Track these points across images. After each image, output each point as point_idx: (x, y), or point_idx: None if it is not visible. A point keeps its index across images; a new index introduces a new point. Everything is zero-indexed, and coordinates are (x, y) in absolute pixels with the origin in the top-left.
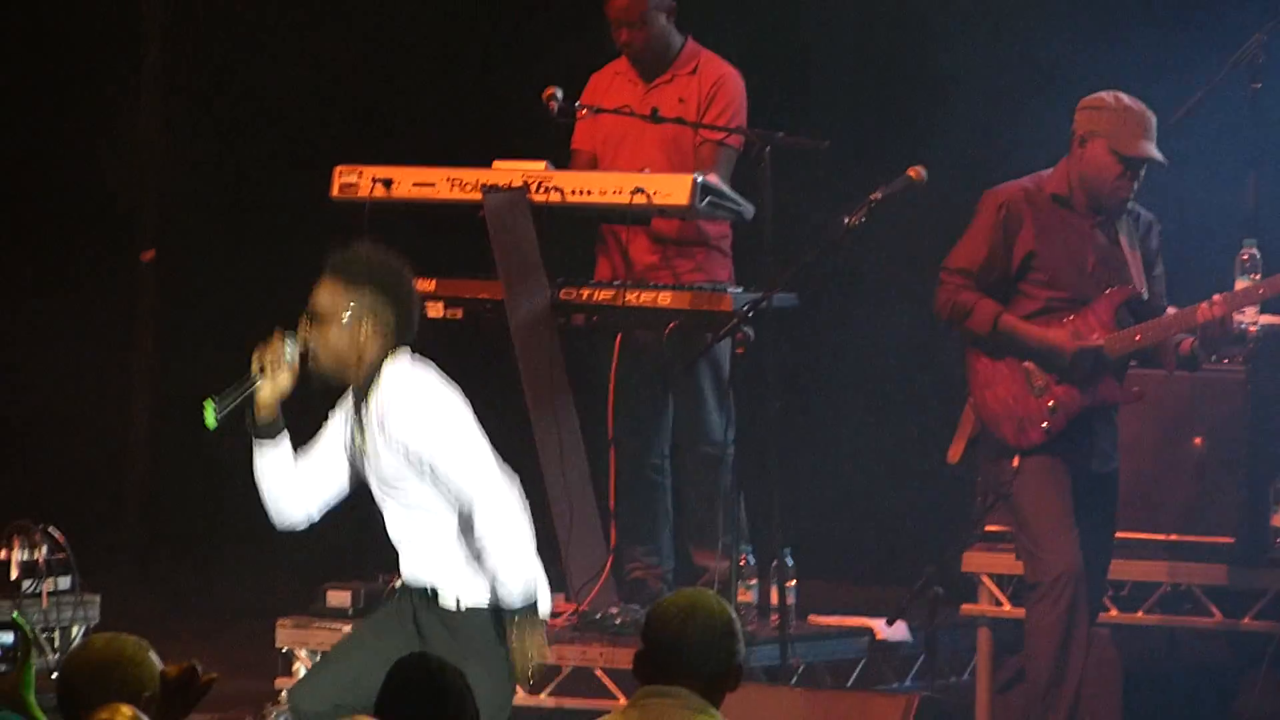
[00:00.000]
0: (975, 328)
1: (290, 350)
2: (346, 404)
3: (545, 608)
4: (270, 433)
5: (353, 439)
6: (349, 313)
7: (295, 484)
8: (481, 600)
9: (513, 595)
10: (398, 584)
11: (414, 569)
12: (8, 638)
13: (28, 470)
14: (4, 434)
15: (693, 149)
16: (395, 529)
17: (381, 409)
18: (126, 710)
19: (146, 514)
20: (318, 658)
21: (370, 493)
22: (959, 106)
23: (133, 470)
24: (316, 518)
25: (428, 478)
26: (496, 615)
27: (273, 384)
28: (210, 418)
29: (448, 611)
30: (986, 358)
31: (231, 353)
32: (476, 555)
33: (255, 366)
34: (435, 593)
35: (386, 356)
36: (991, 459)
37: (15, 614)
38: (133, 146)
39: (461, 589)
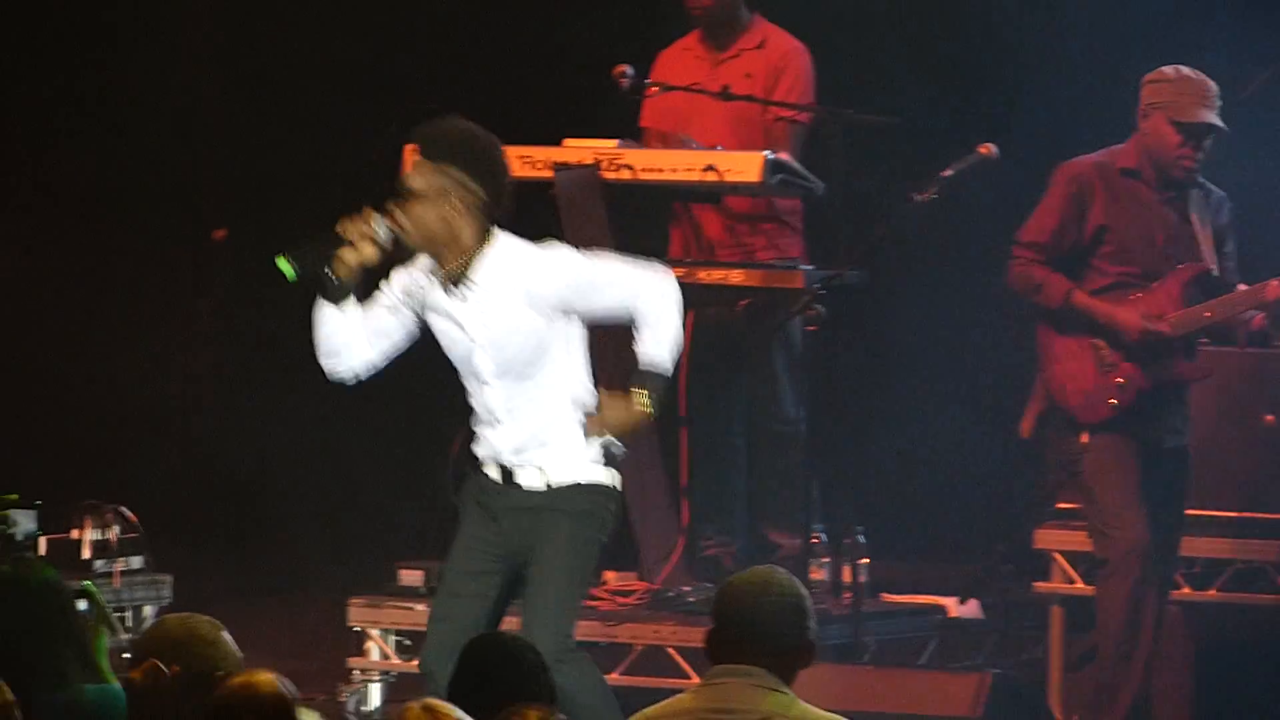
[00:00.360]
0: (1046, 303)
1: (380, 228)
2: (425, 283)
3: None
4: (339, 296)
5: (454, 322)
6: (440, 190)
7: (353, 344)
8: (572, 477)
9: (663, 354)
10: (471, 480)
11: (509, 448)
12: (80, 606)
13: (99, 450)
14: (76, 414)
15: (761, 125)
16: (498, 408)
17: (508, 279)
18: (266, 675)
19: (218, 493)
20: (390, 638)
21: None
22: (1032, 82)
23: (204, 449)
24: (363, 376)
25: (553, 345)
26: (581, 489)
27: (357, 254)
28: (289, 270)
29: (535, 491)
30: (1056, 333)
31: (301, 332)
32: (640, 325)
33: (339, 230)
34: (525, 471)
35: (486, 234)
36: (1061, 434)
37: (87, 582)
38: (199, 127)
39: (555, 469)
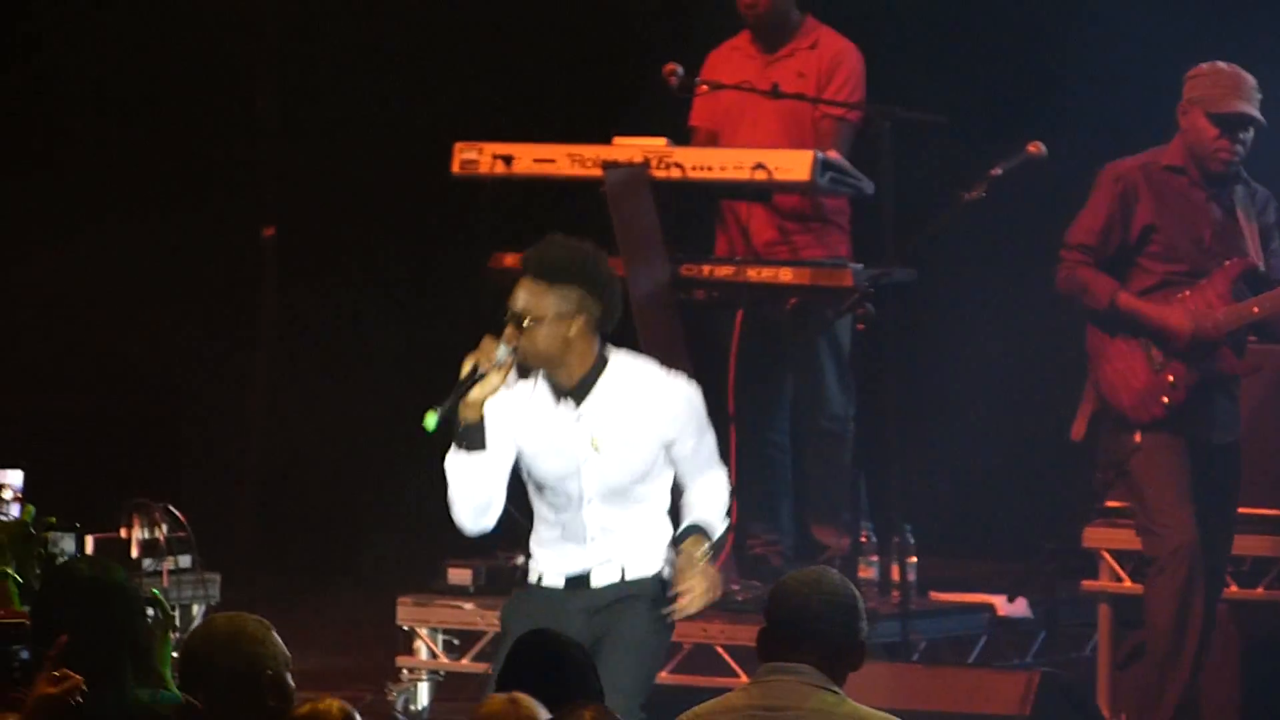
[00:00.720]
0: (1093, 304)
1: (503, 352)
2: (534, 407)
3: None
4: (477, 438)
5: (560, 439)
6: (559, 313)
7: (496, 493)
8: (650, 570)
9: (719, 530)
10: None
11: (593, 564)
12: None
13: (148, 448)
14: (125, 411)
15: (811, 124)
16: (592, 527)
17: (627, 397)
18: (334, 702)
19: (266, 492)
20: (438, 637)
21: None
22: (1081, 81)
23: (252, 448)
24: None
25: (659, 464)
26: (658, 581)
27: (483, 386)
28: (431, 422)
29: (610, 585)
30: (1106, 333)
31: (348, 330)
32: (694, 507)
33: (469, 367)
34: (604, 569)
35: (603, 350)
36: (1112, 434)
37: (155, 590)
38: (252, 125)
39: (635, 564)
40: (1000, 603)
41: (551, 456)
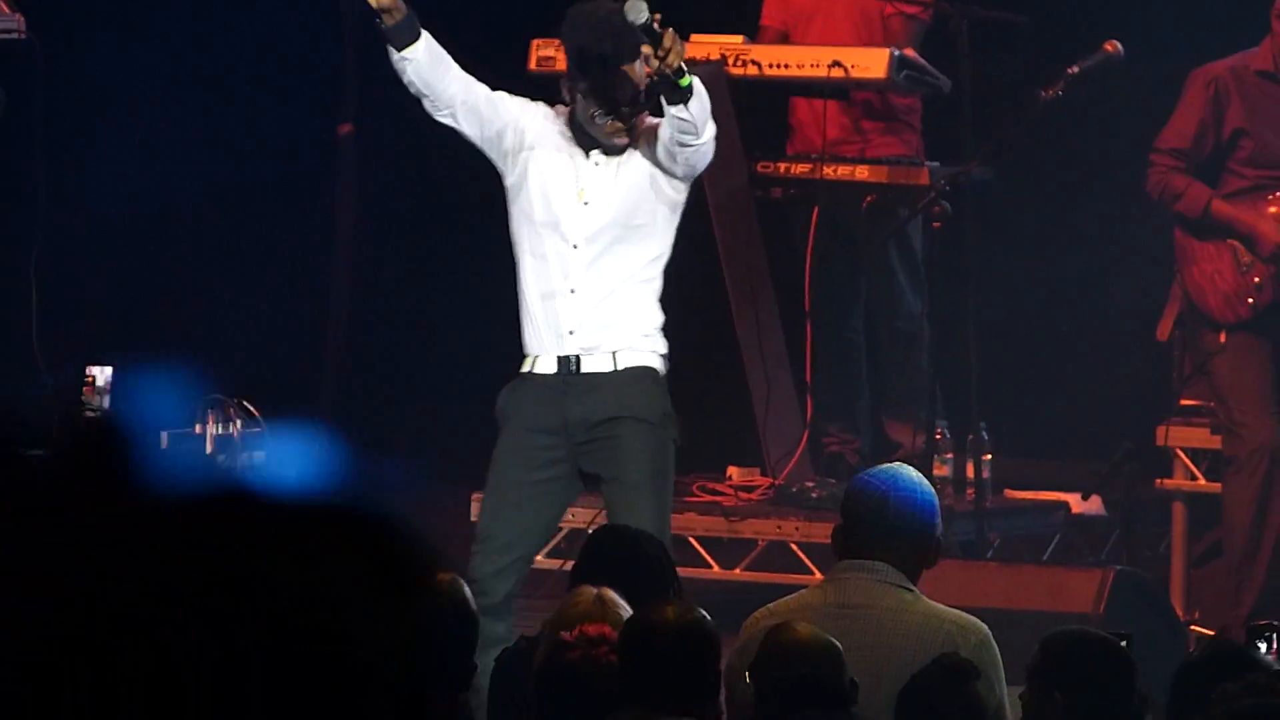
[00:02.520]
0: (1186, 211)
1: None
2: (555, 136)
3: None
4: (403, 37)
5: (574, 177)
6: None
7: (448, 88)
8: (643, 360)
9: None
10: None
11: (584, 325)
12: None
13: (225, 344)
14: (202, 308)
15: (881, 22)
16: (579, 277)
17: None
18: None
19: (343, 387)
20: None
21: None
22: None
23: (330, 344)
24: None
25: (662, 202)
26: (654, 375)
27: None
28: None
29: (602, 373)
30: (1194, 236)
31: (429, 222)
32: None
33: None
34: (594, 355)
35: None
36: (1197, 334)
37: None
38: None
39: (627, 351)
40: (1075, 501)
41: (552, 188)
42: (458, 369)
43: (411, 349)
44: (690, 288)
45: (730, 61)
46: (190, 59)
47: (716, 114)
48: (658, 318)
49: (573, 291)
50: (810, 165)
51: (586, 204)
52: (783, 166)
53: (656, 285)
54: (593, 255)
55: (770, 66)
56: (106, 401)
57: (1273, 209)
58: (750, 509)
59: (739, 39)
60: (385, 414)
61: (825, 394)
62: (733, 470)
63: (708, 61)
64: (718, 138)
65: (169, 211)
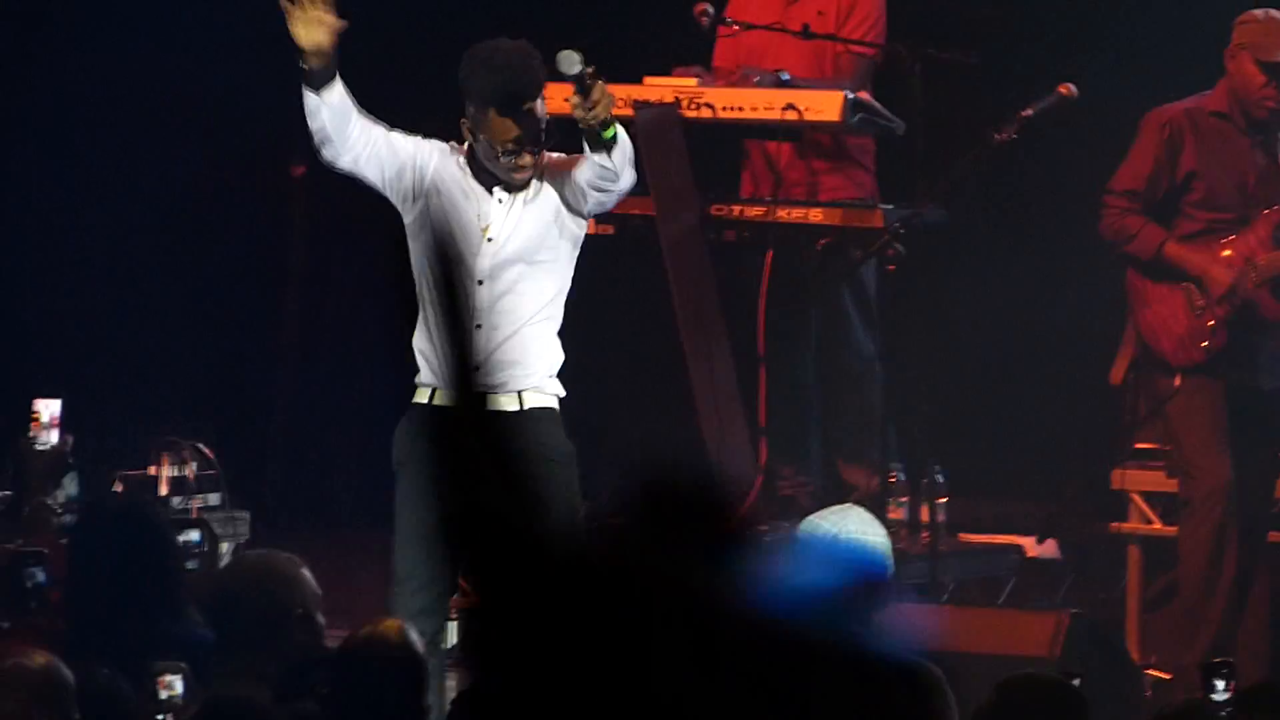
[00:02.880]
0: (1139, 253)
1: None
2: (455, 172)
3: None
4: (323, 80)
5: (477, 213)
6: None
7: (351, 133)
8: (546, 401)
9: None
10: (424, 402)
11: (489, 362)
12: (194, 535)
13: (176, 382)
14: (152, 344)
15: (831, 59)
16: (485, 313)
17: (547, 190)
18: (393, 624)
19: (295, 426)
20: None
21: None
22: (1114, 22)
23: (284, 384)
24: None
25: (565, 238)
26: (557, 416)
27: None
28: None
29: (508, 412)
30: (1148, 278)
31: (375, 263)
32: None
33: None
34: (501, 393)
35: None
36: (1151, 378)
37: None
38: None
39: (533, 390)
40: (1030, 544)
41: (456, 225)
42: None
43: (357, 386)
44: (642, 330)
45: (684, 104)
46: (145, 95)
47: (669, 156)
48: (560, 355)
49: (479, 327)
50: (764, 208)
51: (491, 240)
52: (736, 209)
53: (558, 320)
54: (499, 291)
55: (725, 109)
56: (54, 436)
57: (1225, 252)
58: None
59: (693, 81)
60: (330, 449)
61: (779, 437)
62: None
63: (661, 104)
64: (671, 180)
65: (119, 248)
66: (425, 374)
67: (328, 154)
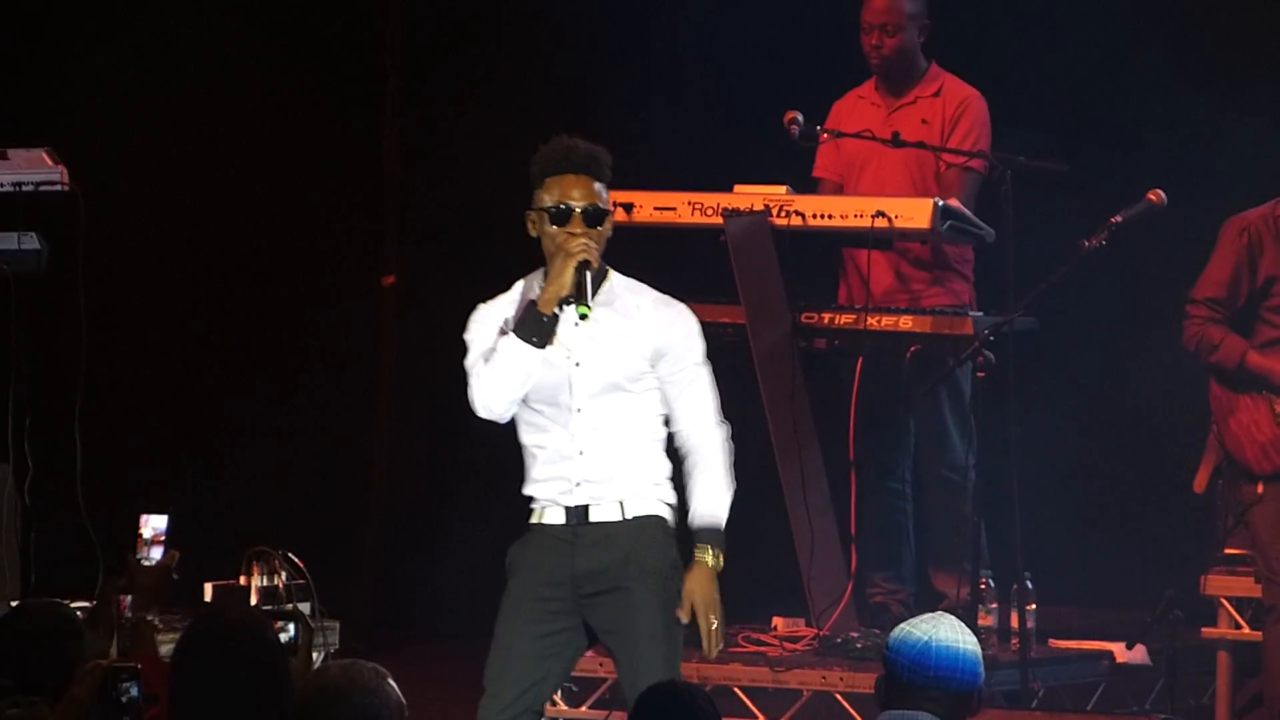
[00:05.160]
0: (1223, 362)
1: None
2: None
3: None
4: (550, 334)
5: (558, 347)
6: (608, 209)
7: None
8: (651, 509)
9: (724, 511)
10: (538, 523)
11: (591, 480)
12: (291, 630)
13: (270, 494)
14: (249, 457)
15: (935, 173)
16: (584, 438)
17: (630, 306)
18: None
19: (389, 538)
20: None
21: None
22: (1204, 131)
23: (376, 494)
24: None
25: (652, 381)
26: (663, 525)
27: (561, 282)
28: (587, 311)
29: (610, 522)
30: (1230, 387)
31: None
32: (692, 472)
33: (574, 263)
34: (602, 505)
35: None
36: (1235, 485)
37: (293, 604)
38: (376, 175)
39: (635, 500)
40: (1119, 650)
41: (546, 363)
42: (499, 516)
43: (454, 499)
44: (735, 438)
45: (774, 212)
46: (227, 213)
47: (761, 264)
48: (666, 467)
49: (581, 453)
50: (854, 315)
51: (578, 365)
52: (827, 317)
53: (662, 435)
54: (596, 414)
55: (814, 217)
56: (158, 553)
57: None
58: (795, 659)
59: (783, 189)
60: (426, 563)
61: (870, 544)
62: (778, 621)
63: (751, 212)
64: (762, 288)
65: (209, 360)
66: (537, 499)
67: (501, 411)
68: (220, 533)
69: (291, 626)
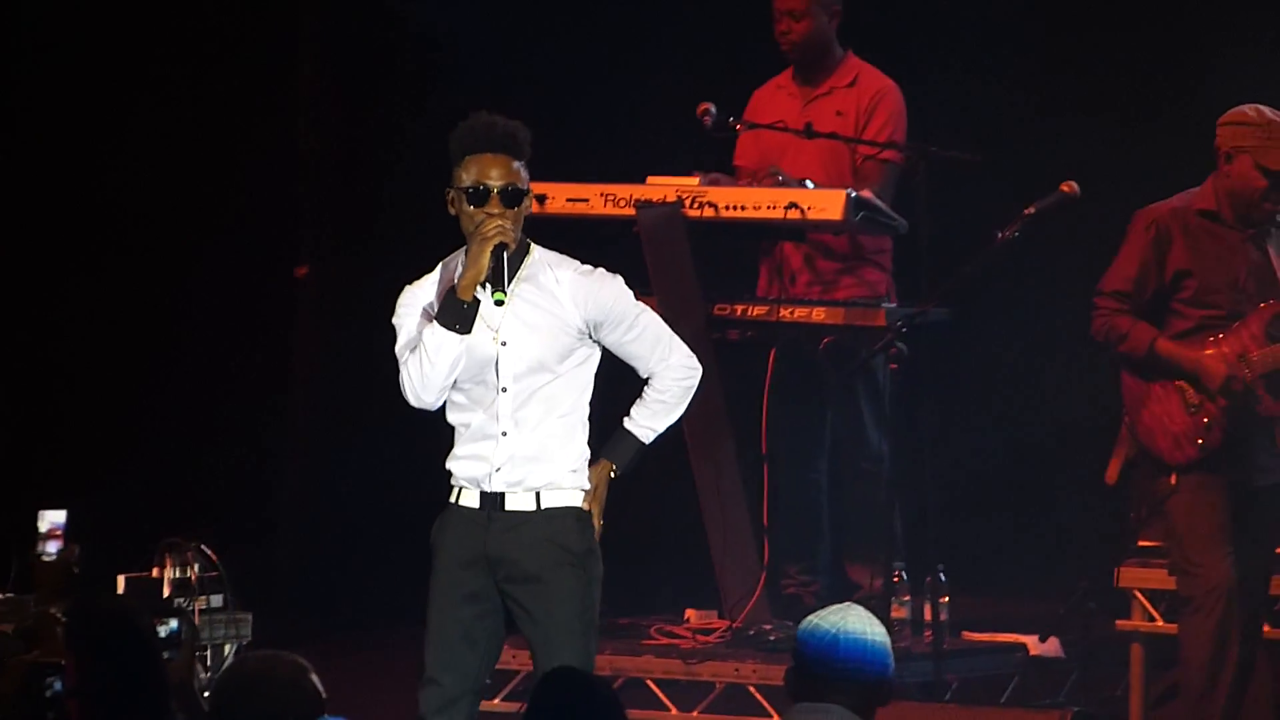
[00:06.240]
0: (1131, 352)
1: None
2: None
3: None
4: (471, 320)
5: (492, 320)
6: (528, 186)
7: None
8: (567, 500)
9: (655, 432)
10: (455, 503)
11: (512, 462)
12: (173, 624)
13: (181, 484)
14: (158, 448)
15: (850, 162)
16: (507, 418)
17: (551, 280)
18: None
19: (300, 529)
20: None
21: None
22: (1107, 121)
23: (287, 485)
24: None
25: (575, 360)
26: (578, 513)
27: (478, 266)
28: (503, 297)
29: (525, 511)
30: (1141, 377)
31: (380, 366)
32: (645, 389)
33: (490, 247)
34: (518, 494)
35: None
36: (1148, 476)
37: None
38: (287, 167)
39: (551, 490)
40: (1033, 642)
41: (471, 342)
42: (414, 502)
43: (370, 487)
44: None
45: (687, 203)
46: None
47: (674, 255)
48: (586, 452)
49: (505, 434)
50: (767, 307)
51: (505, 345)
52: (740, 308)
53: (584, 416)
54: (521, 394)
55: (727, 208)
56: (53, 547)
57: (1219, 349)
58: (708, 651)
59: (695, 180)
60: (339, 551)
61: (783, 536)
62: (690, 613)
63: (664, 203)
64: (675, 280)
65: (124, 350)
66: (455, 475)
67: (432, 400)
68: (134, 524)
69: (174, 621)
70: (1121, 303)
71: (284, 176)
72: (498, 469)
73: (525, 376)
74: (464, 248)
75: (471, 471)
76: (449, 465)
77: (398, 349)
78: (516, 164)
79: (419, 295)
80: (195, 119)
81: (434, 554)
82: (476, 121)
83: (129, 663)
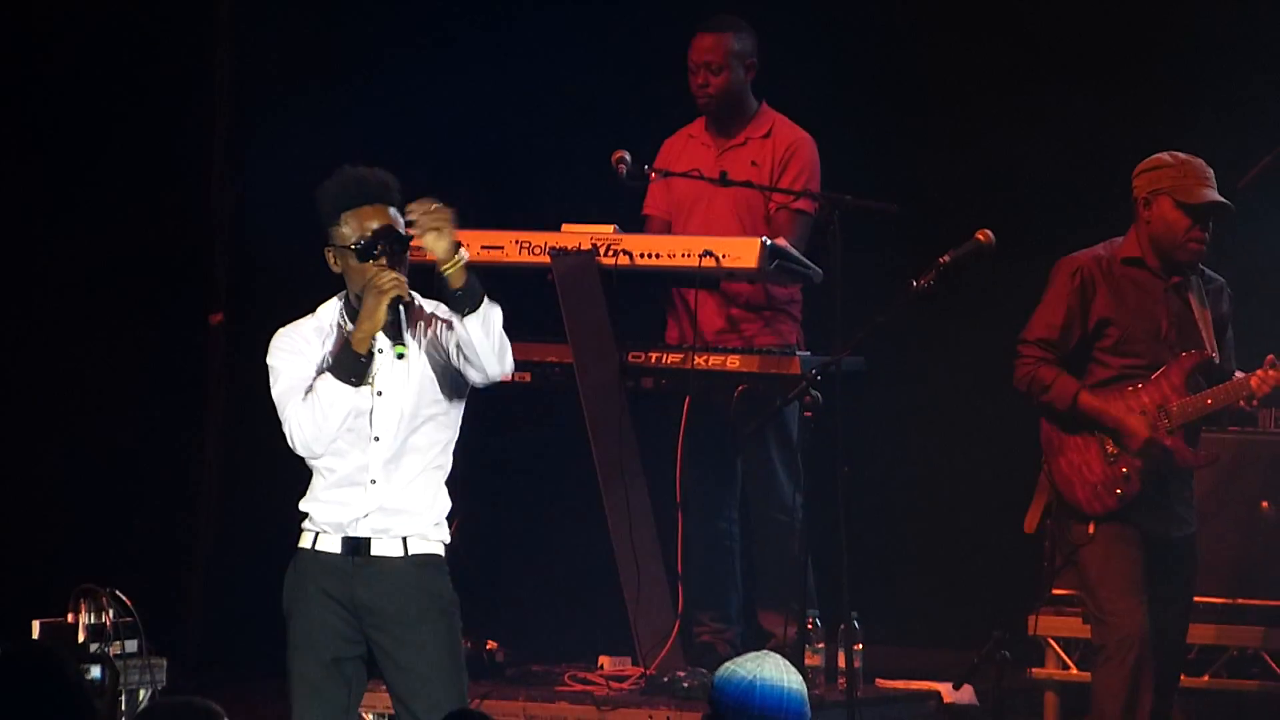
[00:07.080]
0: (1054, 403)
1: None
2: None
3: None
4: (366, 372)
5: (376, 372)
6: (407, 232)
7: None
8: (431, 549)
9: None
10: (311, 548)
11: (381, 511)
12: (96, 672)
13: (95, 531)
14: (73, 494)
15: (764, 212)
16: (378, 467)
17: (426, 321)
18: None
19: (216, 576)
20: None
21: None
22: (1033, 169)
23: (202, 532)
24: None
25: (452, 409)
26: (441, 563)
27: (376, 318)
28: (404, 351)
29: (391, 558)
30: (1061, 427)
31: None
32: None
33: (387, 300)
34: (384, 540)
35: None
36: (1065, 525)
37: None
38: (204, 212)
39: (417, 539)
40: (947, 690)
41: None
42: None
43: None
44: (560, 478)
45: (602, 251)
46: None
47: (588, 303)
48: (448, 505)
49: (374, 482)
50: (681, 355)
51: (380, 394)
52: (654, 356)
53: (448, 468)
54: (393, 444)
55: (642, 256)
56: None
57: (1139, 399)
58: (622, 699)
59: (610, 228)
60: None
61: (697, 584)
62: (604, 660)
63: (579, 251)
64: (589, 327)
65: (34, 393)
66: (314, 520)
67: (321, 451)
68: (48, 569)
69: (96, 669)
70: (1046, 351)
71: (197, 225)
72: (365, 515)
73: (398, 426)
74: (342, 293)
75: (335, 516)
76: (306, 506)
77: (276, 394)
78: (393, 211)
79: (296, 339)
80: (105, 159)
81: (293, 601)
82: (346, 176)
83: (57, 712)
